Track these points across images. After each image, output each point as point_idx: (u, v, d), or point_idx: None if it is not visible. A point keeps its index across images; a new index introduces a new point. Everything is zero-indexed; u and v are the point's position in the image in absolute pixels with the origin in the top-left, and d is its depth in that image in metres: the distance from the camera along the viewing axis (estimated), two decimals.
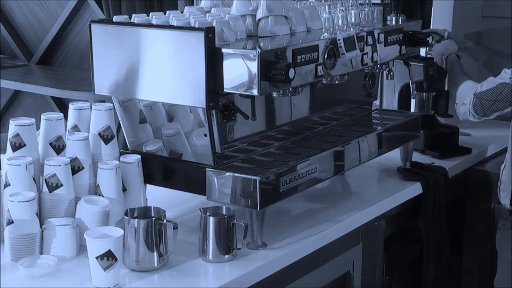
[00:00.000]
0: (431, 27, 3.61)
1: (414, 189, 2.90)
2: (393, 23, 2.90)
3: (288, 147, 2.56)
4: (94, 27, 2.39)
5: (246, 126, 2.42)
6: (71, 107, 2.45)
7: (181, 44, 2.22)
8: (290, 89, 2.32)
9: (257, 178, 2.20)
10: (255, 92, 2.16)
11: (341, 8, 2.72)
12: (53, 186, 2.23)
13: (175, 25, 2.26)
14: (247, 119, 2.38)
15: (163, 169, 2.43)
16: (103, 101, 2.77)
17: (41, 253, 2.18)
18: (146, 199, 2.44)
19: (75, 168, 2.30)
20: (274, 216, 2.48)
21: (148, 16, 2.39)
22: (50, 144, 2.33)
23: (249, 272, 2.16)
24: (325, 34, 2.52)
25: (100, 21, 2.42)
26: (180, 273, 2.13)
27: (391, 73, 2.98)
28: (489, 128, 3.70)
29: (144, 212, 2.20)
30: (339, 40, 2.45)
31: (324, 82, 2.56)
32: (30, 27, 5.77)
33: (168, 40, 2.25)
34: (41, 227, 2.18)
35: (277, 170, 2.28)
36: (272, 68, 2.14)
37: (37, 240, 2.16)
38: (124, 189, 2.35)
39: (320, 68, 2.37)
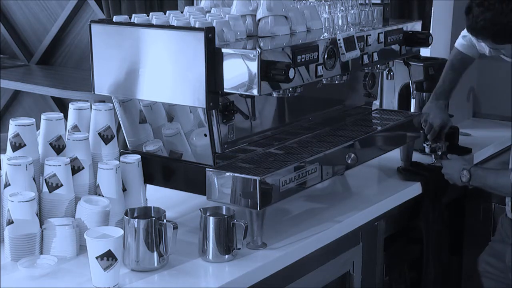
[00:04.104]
0: (431, 27, 3.62)
1: (414, 189, 2.90)
2: None
3: (288, 147, 2.55)
4: (94, 27, 2.39)
5: (246, 126, 2.42)
6: (71, 107, 2.45)
7: (181, 44, 2.22)
8: (290, 89, 2.32)
9: (257, 178, 2.20)
10: (255, 92, 2.16)
11: (341, 8, 2.72)
12: (53, 186, 2.22)
13: (175, 25, 2.26)
14: (247, 119, 2.38)
15: (163, 169, 2.43)
16: (103, 101, 2.77)
17: (41, 253, 2.18)
18: (146, 199, 2.44)
19: (75, 168, 2.30)
20: (274, 216, 2.48)
21: (148, 16, 2.39)
22: (50, 144, 2.33)
23: (249, 272, 2.16)
24: (325, 34, 2.52)
25: (100, 21, 2.42)
26: (180, 273, 2.13)
27: (391, 73, 2.98)
28: (489, 128, 3.71)
29: (144, 212, 2.20)
30: (339, 40, 2.45)
31: (324, 82, 2.56)
32: (30, 27, 5.76)
33: (168, 40, 2.25)
34: (41, 227, 2.18)
35: (277, 170, 2.28)
36: (272, 68, 2.14)
37: (37, 240, 2.16)
38: (124, 189, 2.35)
39: (320, 68, 2.37)
